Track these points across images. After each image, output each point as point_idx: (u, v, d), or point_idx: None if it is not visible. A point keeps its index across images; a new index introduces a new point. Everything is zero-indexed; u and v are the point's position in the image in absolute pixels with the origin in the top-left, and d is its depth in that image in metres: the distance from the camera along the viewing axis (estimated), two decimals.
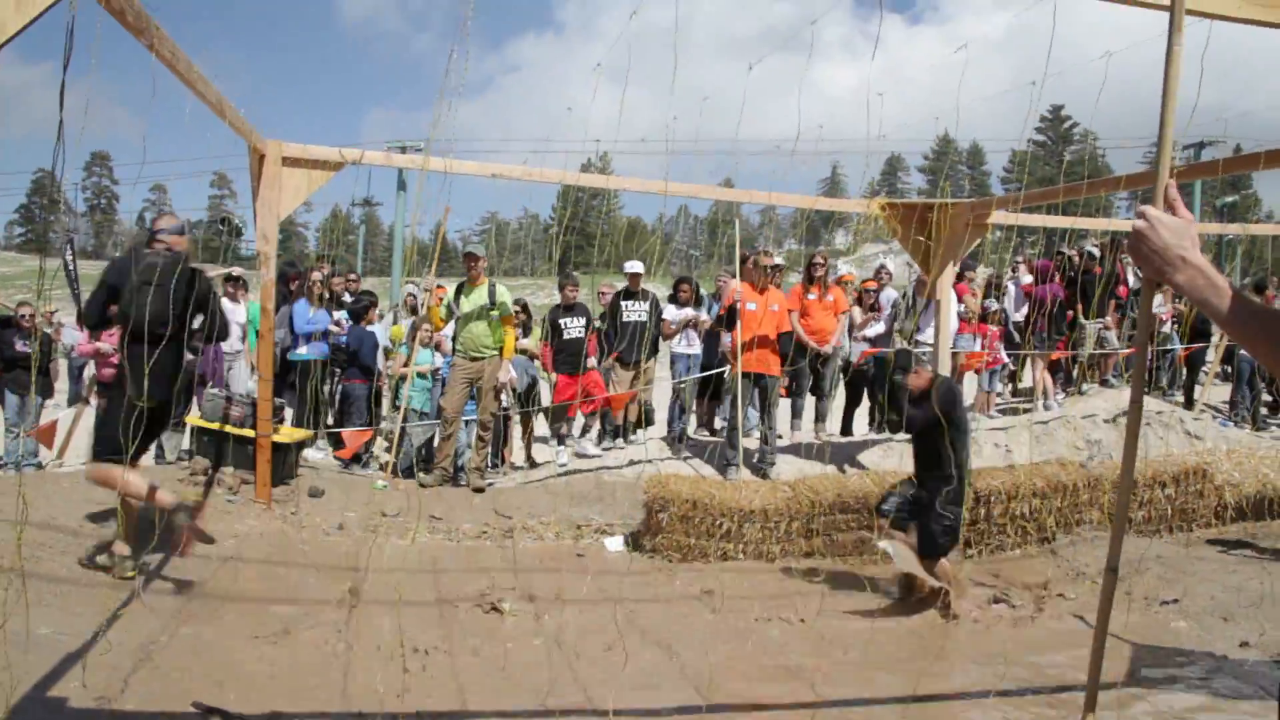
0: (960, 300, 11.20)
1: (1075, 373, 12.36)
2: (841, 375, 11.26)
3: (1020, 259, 13.90)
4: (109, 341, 10.38)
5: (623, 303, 10.63)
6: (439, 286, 9.51)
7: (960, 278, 11.30)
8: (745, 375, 9.16)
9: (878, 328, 11.29)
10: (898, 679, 5.14)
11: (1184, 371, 12.70)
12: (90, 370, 10.86)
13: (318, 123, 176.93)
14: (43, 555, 6.22)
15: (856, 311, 11.29)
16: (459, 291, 9.02)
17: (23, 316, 10.47)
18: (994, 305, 11.87)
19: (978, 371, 11.75)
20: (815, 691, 4.94)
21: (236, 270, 10.58)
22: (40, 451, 10.51)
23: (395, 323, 11.11)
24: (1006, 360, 12.37)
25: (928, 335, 10.59)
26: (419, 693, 4.72)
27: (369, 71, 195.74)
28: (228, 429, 8.47)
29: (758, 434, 9.52)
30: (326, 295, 10.53)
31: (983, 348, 11.44)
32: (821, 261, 10.53)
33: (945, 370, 9.29)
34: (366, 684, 4.80)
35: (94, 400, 10.83)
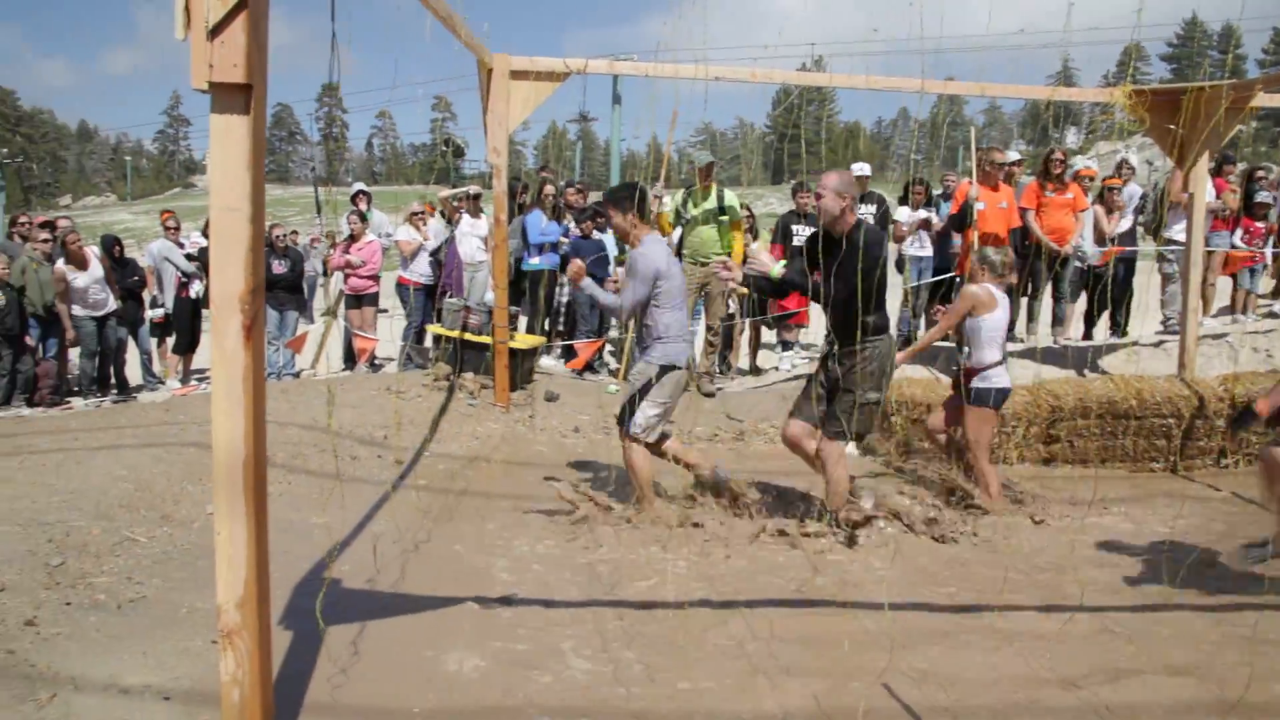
0: (1219, 195, 10.33)
1: None
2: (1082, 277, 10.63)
3: None
4: (357, 254, 11.08)
5: None
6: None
7: (1219, 171, 10.39)
8: None
9: (1123, 225, 10.57)
10: None
11: None
12: (338, 284, 11.58)
13: (521, 45, 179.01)
14: (310, 454, 6.69)
15: (1100, 211, 10.57)
16: (687, 197, 9.02)
17: (278, 238, 11.28)
18: (1264, 196, 10.84)
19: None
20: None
21: (474, 188, 11.00)
22: (296, 361, 11.45)
23: None
24: (1268, 259, 11.36)
25: (1177, 232, 9.88)
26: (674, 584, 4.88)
27: None
28: (466, 336, 8.88)
29: None
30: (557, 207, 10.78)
31: (1246, 244, 10.55)
32: (1060, 157, 9.92)
33: (1198, 270, 8.63)
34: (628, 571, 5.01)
35: (341, 312, 11.61)
